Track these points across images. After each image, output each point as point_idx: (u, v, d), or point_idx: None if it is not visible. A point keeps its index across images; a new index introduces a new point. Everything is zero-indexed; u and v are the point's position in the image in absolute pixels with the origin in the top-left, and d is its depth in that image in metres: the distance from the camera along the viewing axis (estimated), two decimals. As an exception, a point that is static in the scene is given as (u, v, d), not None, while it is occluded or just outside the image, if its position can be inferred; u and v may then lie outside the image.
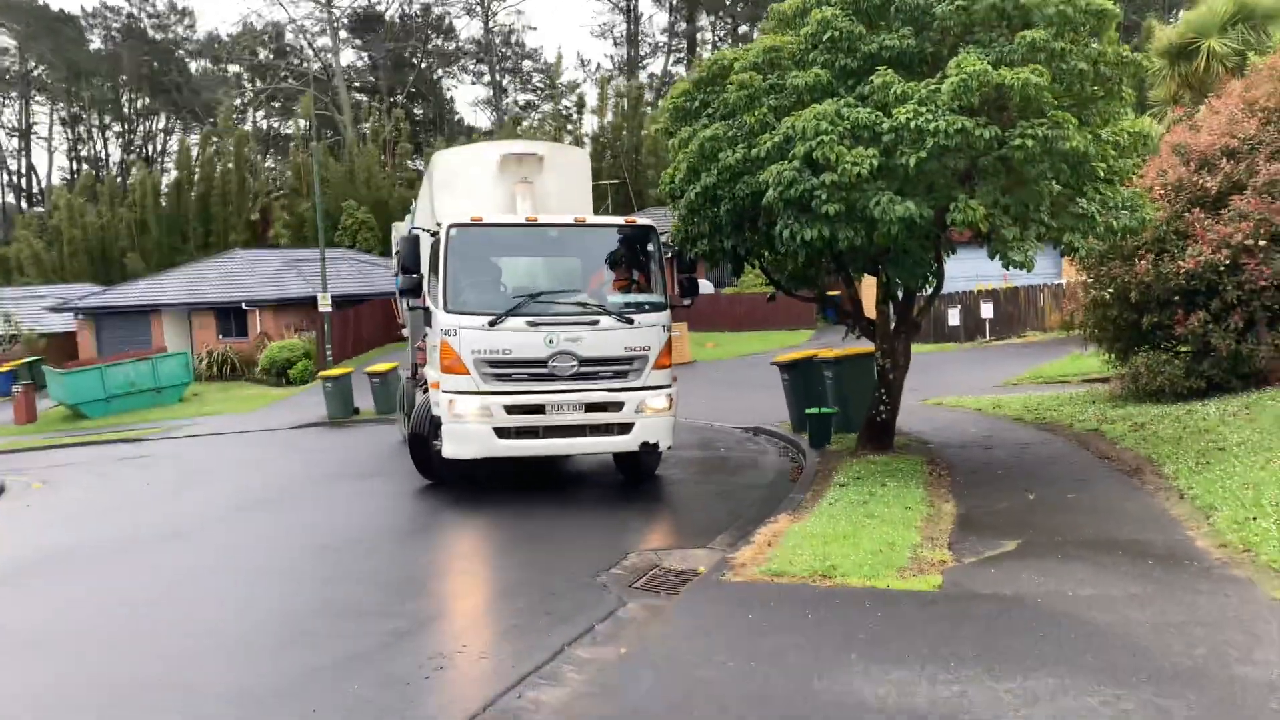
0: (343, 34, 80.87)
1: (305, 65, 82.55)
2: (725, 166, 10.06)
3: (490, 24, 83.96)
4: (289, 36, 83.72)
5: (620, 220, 11.68)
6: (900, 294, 11.97)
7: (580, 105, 71.20)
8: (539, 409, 10.79)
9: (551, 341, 10.70)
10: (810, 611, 6.22)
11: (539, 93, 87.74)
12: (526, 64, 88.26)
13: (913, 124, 8.90)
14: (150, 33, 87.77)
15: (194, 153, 66.14)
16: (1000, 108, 9.39)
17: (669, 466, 12.92)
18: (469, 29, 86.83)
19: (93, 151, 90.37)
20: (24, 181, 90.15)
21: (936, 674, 4.91)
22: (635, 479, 12.25)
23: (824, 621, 6.02)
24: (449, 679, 5.61)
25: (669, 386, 11.26)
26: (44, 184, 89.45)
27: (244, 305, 38.12)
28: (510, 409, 10.74)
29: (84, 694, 5.81)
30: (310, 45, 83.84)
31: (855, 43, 10.05)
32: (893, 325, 12.27)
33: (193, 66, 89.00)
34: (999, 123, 9.21)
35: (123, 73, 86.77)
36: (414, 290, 11.68)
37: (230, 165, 62.26)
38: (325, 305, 31.86)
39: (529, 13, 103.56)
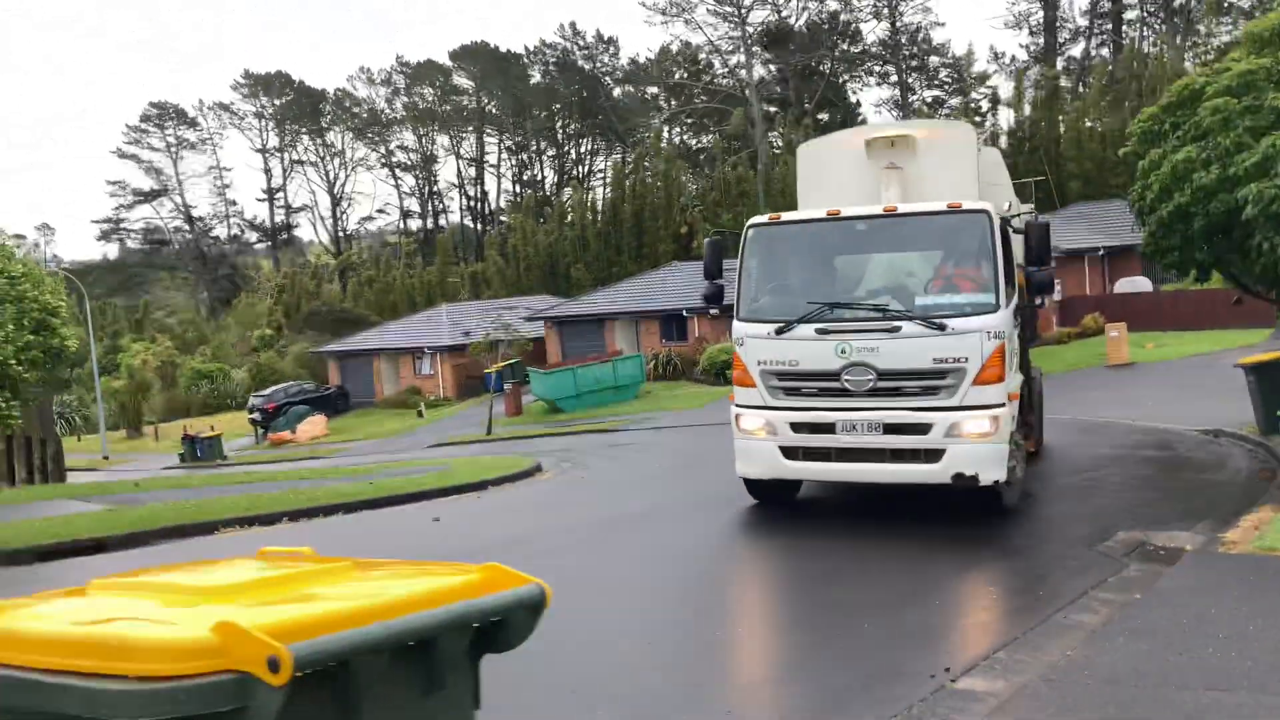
0: (754, 48, 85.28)
1: (718, 82, 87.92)
2: (1199, 186, 10.94)
3: (897, 23, 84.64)
4: (703, 56, 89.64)
5: (942, 206, 9.80)
6: (1385, 296, 12.04)
7: (994, 99, 70.00)
8: (829, 428, 9.71)
9: (844, 351, 9.55)
10: (1305, 579, 7.29)
11: (946, 88, 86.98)
12: (933, 59, 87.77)
13: (1404, 139, 9.39)
14: (581, 63, 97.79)
15: (625, 171, 73.44)
16: None
17: (1132, 464, 13.69)
18: (875, 31, 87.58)
19: (531, 175, 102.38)
20: (479, 206, 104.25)
21: None
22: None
23: (1320, 587, 7.08)
24: (1012, 603, 7.46)
25: (997, 406, 9.37)
26: (493, 207, 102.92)
27: (684, 312, 42.37)
28: (796, 426, 9.83)
29: (711, 610, 8.24)
30: (724, 63, 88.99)
31: (1339, 60, 10.55)
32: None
33: (616, 92, 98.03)
34: None
35: (558, 102, 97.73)
36: (714, 298, 10.95)
37: (659, 183, 68.40)
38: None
39: (936, 9, 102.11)
